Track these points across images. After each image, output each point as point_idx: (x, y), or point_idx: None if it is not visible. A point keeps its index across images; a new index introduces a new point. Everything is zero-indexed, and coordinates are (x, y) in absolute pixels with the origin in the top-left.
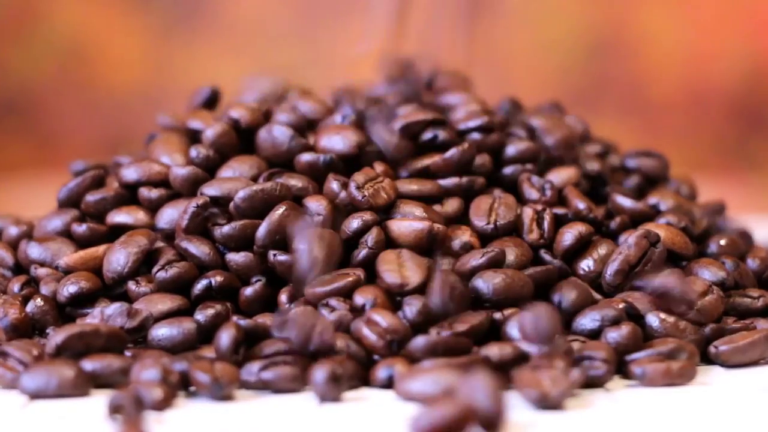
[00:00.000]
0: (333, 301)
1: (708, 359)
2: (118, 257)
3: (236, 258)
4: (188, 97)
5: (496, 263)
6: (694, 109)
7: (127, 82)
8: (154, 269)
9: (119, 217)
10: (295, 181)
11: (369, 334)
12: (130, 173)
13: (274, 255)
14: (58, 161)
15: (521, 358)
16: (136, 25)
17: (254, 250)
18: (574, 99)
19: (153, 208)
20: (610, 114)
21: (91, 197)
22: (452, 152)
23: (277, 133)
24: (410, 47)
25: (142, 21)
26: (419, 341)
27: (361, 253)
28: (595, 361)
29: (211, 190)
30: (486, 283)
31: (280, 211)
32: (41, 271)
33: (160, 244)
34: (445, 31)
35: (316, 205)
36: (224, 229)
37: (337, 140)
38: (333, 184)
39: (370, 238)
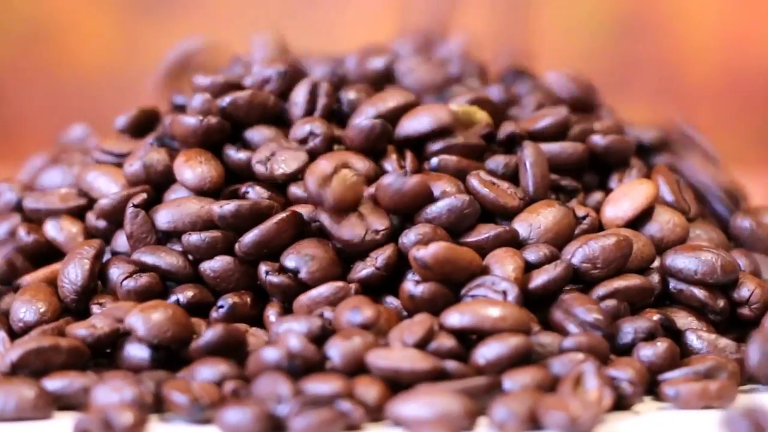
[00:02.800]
0: (327, 312)
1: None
2: (68, 272)
3: (212, 265)
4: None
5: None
6: (733, 96)
7: (96, 65)
8: (120, 278)
9: (52, 231)
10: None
11: None
12: (30, 203)
13: (267, 272)
14: (18, 154)
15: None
16: (105, 2)
17: (236, 254)
18: (600, 83)
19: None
20: (640, 100)
21: (31, 204)
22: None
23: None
24: (426, 25)
25: None
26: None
27: (365, 270)
28: (622, 381)
29: (161, 217)
30: None
31: (275, 219)
32: None
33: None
34: (460, 9)
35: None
36: (191, 239)
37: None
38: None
39: (381, 257)
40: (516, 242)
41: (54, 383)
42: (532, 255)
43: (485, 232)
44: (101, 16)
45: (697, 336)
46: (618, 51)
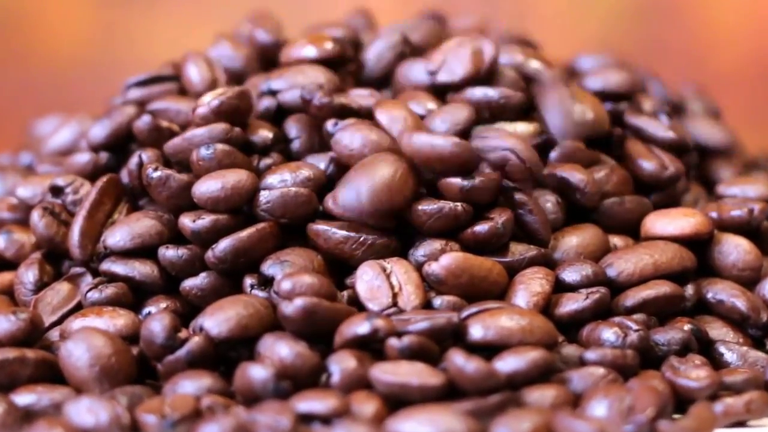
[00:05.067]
0: None
1: None
2: (21, 276)
3: (196, 283)
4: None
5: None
6: (762, 84)
7: (69, 54)
8: (85, 289)
9: (4, 243)
10: None
11: None
12: None
13: (252, 286)
14: None
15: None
16: None
17: (210, 261)
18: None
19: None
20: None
21: None
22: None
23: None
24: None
25: None
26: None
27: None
28: None
29: (112, 239)
30: None
31: (258, 227)
32: None
33: (79, 270)
34: None
35: None
36: (167, 253)
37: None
38: None
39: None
40: (549, 264)
41: (24, 398)
42: (573, 275)
43: (520, 253)
44: (74, 3)
45: (728, 348)
46: (635, 35)
